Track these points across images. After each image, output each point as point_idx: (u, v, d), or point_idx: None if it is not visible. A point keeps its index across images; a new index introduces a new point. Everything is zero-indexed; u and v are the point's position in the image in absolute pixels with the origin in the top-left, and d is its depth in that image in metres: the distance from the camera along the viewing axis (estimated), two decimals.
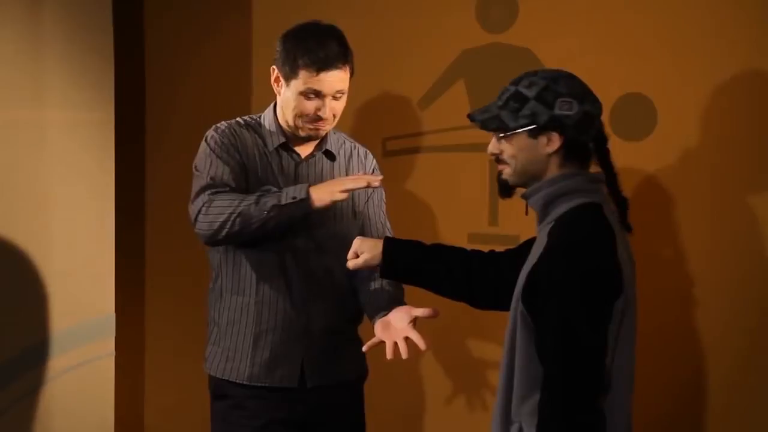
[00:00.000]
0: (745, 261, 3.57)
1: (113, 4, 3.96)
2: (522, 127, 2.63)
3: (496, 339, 3.46)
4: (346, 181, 3.10)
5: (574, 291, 2.50)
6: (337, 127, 3.34)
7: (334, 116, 3.22)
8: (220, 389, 3.30)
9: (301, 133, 3.23)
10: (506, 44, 3.82)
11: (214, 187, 3.16)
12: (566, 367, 2.50)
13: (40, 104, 3.75)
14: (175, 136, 4.22)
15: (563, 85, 2.61)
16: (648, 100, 3.65)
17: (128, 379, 4.24)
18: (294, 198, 3.07)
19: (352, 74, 3.22)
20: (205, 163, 3.21)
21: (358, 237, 3.04)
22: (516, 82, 2.67)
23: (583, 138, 2.62)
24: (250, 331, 3.25)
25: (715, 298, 3.61)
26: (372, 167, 3.39)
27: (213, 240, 3.15)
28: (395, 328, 3.10)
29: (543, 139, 2.62)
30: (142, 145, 4.32)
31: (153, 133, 4.31)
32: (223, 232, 3.11)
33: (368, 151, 3.41)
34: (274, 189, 3.16)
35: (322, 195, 3.07)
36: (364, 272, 3.20)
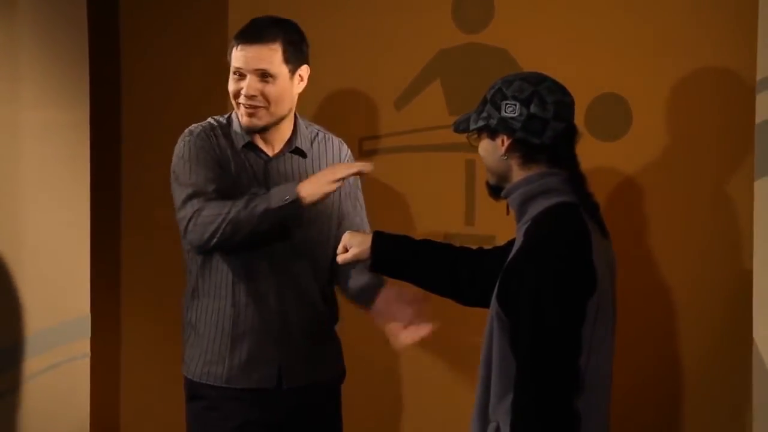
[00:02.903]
0: (720, 259, 3.58)
1: (88, 4, 3.94)
2: (479, 130, 2.68)
3: (476, 338, 3.46)
4: (337, 170, 3.09)
5: (547, 289, 2.51)
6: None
7: (269, 102, 3.17)
8: (195, 390, 3.29)
9: (242, 121, 3.20)
10: (482, 44, 3.83)
11: (201, 194, 3.15)
12: (539, 366, 2.50)
13: (15, 104, 3.72)
14: (152, 137, 4.20)
15: (513, 88, 2.63)
16: (623, 100, 3.66)
17: (104, 380, 4.22)
18: (285, 200, 3.06)
19: (289, 61, 3.17)
20: (185, 169, 3.20)
21: (348, 231, 3.02)
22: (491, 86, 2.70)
23: (535, 140, 2.62)
24: (227, 334, 3.24)
25: (691, 296, 3.62)
26: (347, 158, 3.37)
27: (205, 248, 3.16)
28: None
29: (498, 141, 2.65)
30: (117, 145, 4.30)
31: (129, 134, 4.29)
32: (215, 240, 3.11)
33: (342, 141, 3.39)
34: (263, 191, 3.14)
35: (311, 190, 3.06)
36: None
